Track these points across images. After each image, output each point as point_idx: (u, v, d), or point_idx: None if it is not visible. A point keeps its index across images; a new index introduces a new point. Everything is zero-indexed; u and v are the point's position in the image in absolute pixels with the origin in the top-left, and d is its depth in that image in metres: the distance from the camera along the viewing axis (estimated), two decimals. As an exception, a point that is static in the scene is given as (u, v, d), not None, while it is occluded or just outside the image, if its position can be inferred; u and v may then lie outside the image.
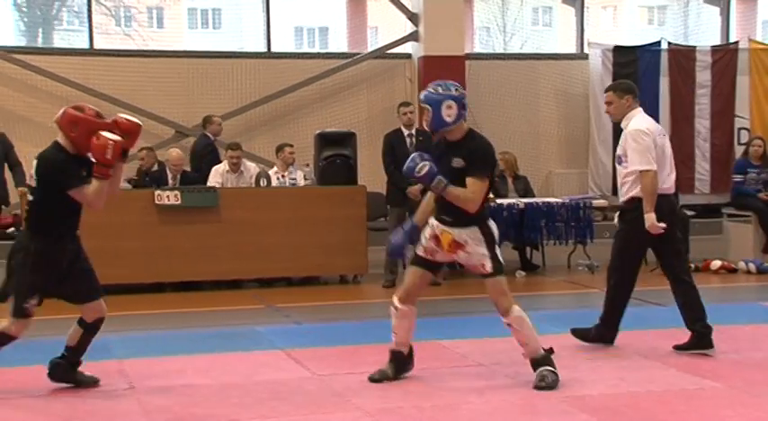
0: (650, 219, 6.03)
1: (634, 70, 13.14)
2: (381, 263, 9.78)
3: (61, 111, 5.22)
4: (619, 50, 13.24)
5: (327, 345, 6.76)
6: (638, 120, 6.32)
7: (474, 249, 5.32)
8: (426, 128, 5.47)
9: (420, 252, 5.51)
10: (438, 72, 12.32)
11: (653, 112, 13.21)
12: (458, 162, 5.29)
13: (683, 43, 14.00)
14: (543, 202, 10.67)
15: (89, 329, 5.40)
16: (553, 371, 5.42)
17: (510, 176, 11.21)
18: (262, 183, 9.99)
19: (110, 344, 6.65)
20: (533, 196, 11.15)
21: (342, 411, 5.05)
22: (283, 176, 10.31)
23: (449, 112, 5.28)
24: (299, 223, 9.64)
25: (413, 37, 12.69)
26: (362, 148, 10.89)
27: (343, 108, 12.38)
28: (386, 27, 13.66)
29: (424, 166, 5.19)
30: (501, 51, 14.81)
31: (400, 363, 5.64)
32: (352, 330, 7.43)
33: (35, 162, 5.20)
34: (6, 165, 9.29)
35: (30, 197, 5.24)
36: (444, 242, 5.38)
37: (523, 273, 10.47)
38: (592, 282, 9.94)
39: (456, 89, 5.38)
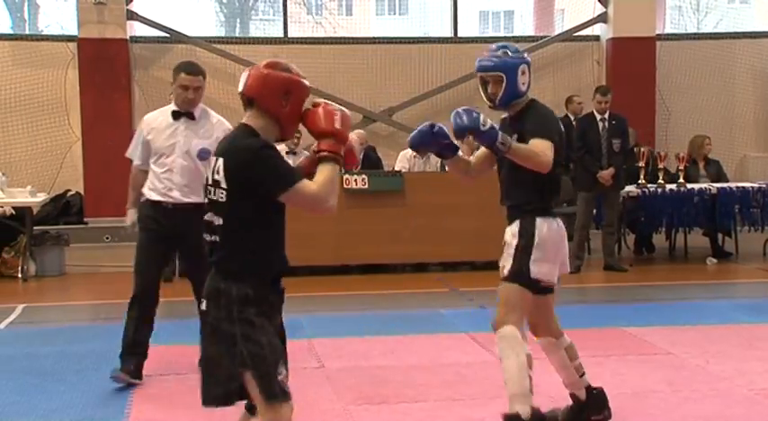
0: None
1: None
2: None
3: (249, 73, 3.32)
4: (824, 27, 12.54)
5: (512, 330, 6.76)
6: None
7: (506, 250, 4.25)
8: (489, 102, 4.33)
9: None
10: (627, 54, 12.13)
11: None
12: (513, 138, 4.21)
13: None
14: (737, 187, 10.27)
15: None
16: None
17: (701, 160, 10.83)
18: (446, 168, 10.07)
19: (300, 323, 6.92)
20: (726, 181, 10.75)
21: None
22: (468, 161, 10.37)
23: (523, 79, 4.27)
24: (482, 207, 9.60)
25: (601, 18, 12.46)
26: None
27: (529, 92, 12.31)
28: (573, 9, 13.45)
29: (487, 120, 4.06)
30: (694, 31, 14.31)
31: (578, 408, 4.52)
32: (537, 315, 7.41)
33: (220, 161, 3.23)
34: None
35: (213, 218, 3.26)
36: None
37: (715, 261, 10.12)
38: (790, 271, 9.52)
39: (522, 51, 4.39)
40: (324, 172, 3.24)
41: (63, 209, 11.35)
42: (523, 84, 4.27)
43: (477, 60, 4.33)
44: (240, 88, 3.31)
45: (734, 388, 5.12)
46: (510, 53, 4.28)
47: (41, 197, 10.55)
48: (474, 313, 7.65)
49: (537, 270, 4.16)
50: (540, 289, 4.22)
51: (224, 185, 3.20)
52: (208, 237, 3.29)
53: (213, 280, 3.24)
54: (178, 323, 7.40)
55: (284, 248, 3.33)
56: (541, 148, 4.11)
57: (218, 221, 3.23)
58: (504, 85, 4.24)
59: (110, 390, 5.26)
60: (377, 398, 5.06)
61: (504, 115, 4.44)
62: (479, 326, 6.79)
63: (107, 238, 10.78)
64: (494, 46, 4.37)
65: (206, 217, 3.29)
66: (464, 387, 5.25)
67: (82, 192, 11.52)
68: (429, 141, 4.35)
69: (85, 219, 11.25)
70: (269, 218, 3.26)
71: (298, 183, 3.19)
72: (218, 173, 3.23)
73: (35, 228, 10.17)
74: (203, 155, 5.25)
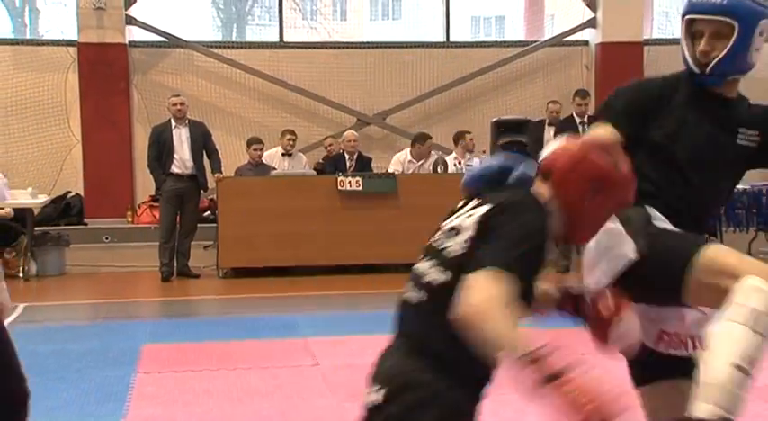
0: None
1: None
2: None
3: (567, 148, 2.47)
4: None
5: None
6: None
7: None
8: (696, 66, 2.81)
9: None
10: (616, 58, 12.32)
11: None
12: (748, 136, 2.86)
13: None
14: (723, 190, 10.46)
15: None
16: None
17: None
18: (439, 170, 10.29)
19: (296, 323, 7.10)
20: (713, 183, 10.93)
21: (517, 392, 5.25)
22: (460, 163, 10.56)
23: (758, 45, 2.79)
24: (475, 209, 9.84)
25: (590, 23, 12.66)
26: (538, 136, 10.99)
27: (519, 96, 12.52)
28: (563, 14, 13.66)
29: None
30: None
31: None
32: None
33: (484, 209, 2.41)
34: (205, 152, 9.90)
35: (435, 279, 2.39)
36: None
37: (701, 261, 10.30)
38: (773, 272, 9.71)
39: None
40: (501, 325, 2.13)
41: (63, 210, 11.49)
42: (757, 49, 2.79)
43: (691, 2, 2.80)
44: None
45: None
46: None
47: (42, 199, 10.71)
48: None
49: None
50: None
51: (476, 234, 2.37)
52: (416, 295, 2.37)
53: (406, 363, 2.24)
54: (175, 322, 7.60)
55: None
56: None
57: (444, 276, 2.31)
58: (732, 41, 2.72)
59: (109, 388, 5.35)
60: (369, 395, 5.23)
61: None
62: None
63: (106, 239, 10.97)
64: None
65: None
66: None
67: (82, 193, 11.68)
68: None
69: (85, 220, 11.40)
70: None
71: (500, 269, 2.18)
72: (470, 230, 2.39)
73: (36, 228, 10.34)
74: None
